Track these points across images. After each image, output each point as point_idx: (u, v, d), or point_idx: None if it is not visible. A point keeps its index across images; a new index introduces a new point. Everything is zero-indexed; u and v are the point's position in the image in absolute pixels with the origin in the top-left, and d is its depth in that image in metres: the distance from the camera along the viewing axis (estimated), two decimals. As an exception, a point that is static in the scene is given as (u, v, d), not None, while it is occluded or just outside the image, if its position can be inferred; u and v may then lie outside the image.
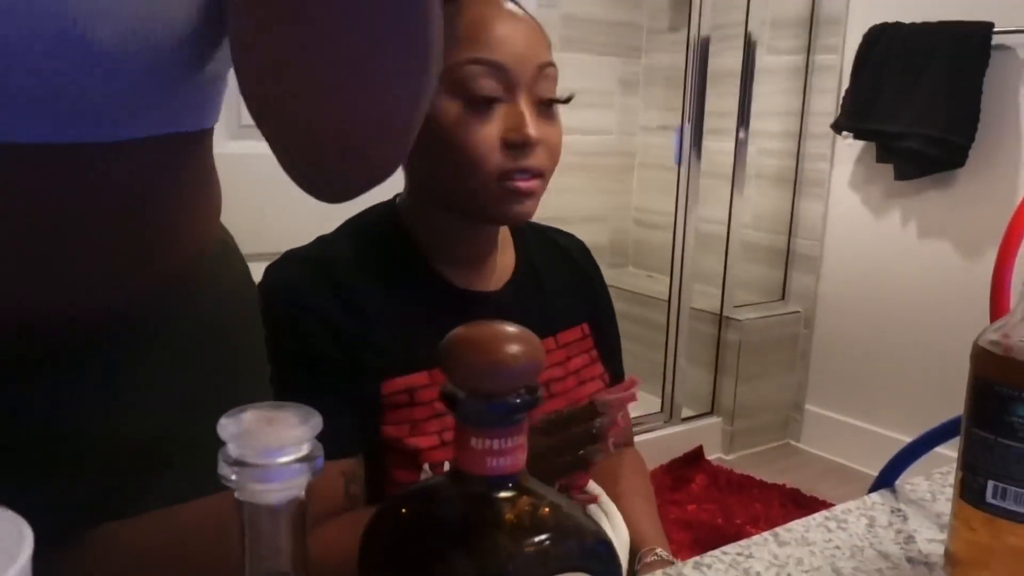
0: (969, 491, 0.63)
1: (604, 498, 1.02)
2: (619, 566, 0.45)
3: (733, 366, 3.24)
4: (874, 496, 0.84)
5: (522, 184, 0.85)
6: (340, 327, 0.85)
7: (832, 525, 0.77)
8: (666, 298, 3.21)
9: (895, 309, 3.06)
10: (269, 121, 0.55)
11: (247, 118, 0.56)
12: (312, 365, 0.85)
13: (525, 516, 0.41)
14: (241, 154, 0.63)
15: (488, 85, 0.83)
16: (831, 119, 3.11)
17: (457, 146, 0.83)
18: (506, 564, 0.40)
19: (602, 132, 3.80)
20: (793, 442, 3.43)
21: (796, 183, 3.36)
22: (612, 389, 0.95)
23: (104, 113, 0.53)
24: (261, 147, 0.57)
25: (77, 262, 0.56)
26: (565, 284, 1.02)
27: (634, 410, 1.15)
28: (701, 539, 2.58)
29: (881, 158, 2.98)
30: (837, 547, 0.73)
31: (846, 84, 3.03)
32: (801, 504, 2.86)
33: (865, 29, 2.96)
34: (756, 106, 3.19)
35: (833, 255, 3.27)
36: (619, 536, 0.96)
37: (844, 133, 3.03)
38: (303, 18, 0.49)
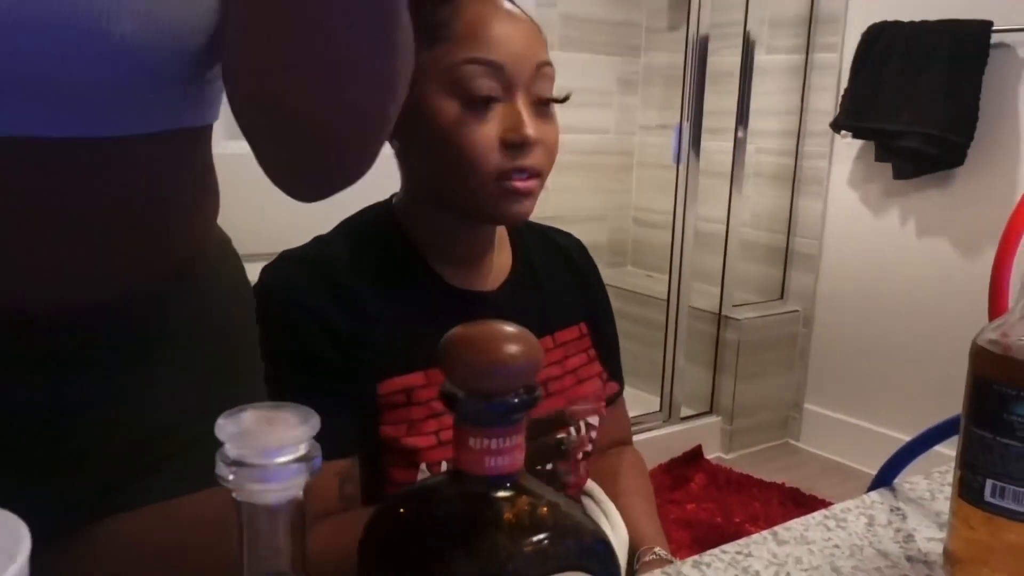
0: (968, 490, 0.63)
1: (603, 497, 1.02)
2: (618, 565, 0.45)
3: (732, 365, 3.24)
4: (873, 495, 0.84)
5: (520, 184, 0.85)
6: (337, 327, 0.85)
7: (831, 524, 0.77)
8: (665, 297, 3.21)
9: (894, 308, 3.06)
10: (251, 115, 0.56)
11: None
12: (308, 365, 0.84)
13: (524, 515, 0.41)
14: (240, 154, 0.63)
15: (486, 85, 0.83)
16: (830, 118, 3.11)
17: (455, 146, 0.83)
18: (505, 563, 0.40)
19: (601, 131, 3.80)
20: (792, 441, 3.43)
21: (795, 182, 3.36)
22: (582, 399, 0.95)
23: (114, 107, 0.53)
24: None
25: (77, 257, 0.56)
26: (563, 283, 1.02)
27: (633, 409, 1.16)
28: (700, 538, 2.58)
29: (880, 157, 2.98)
30: (836, 546, 0.73)
31: (845, 83, 3.03)
32: (800, 503, 2.86)
33: (864, 28, 2.96)
34: (755, 105, 3.19)
35: (832, 254, 3.27)
36: (618, 535, 0.96)
37: (843, 132, 3.03)
38: (292, 24, 0.50)
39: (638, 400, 3.12)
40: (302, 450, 0.37)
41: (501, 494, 0.41)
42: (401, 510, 0.45)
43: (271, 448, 0.36)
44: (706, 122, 3.05)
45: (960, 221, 2.85)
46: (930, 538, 0.75)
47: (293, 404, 0.38)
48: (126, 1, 0.49)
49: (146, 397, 0.63)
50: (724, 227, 3.29)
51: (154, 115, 0.57)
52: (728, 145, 3.21)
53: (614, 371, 1.07)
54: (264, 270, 0.89)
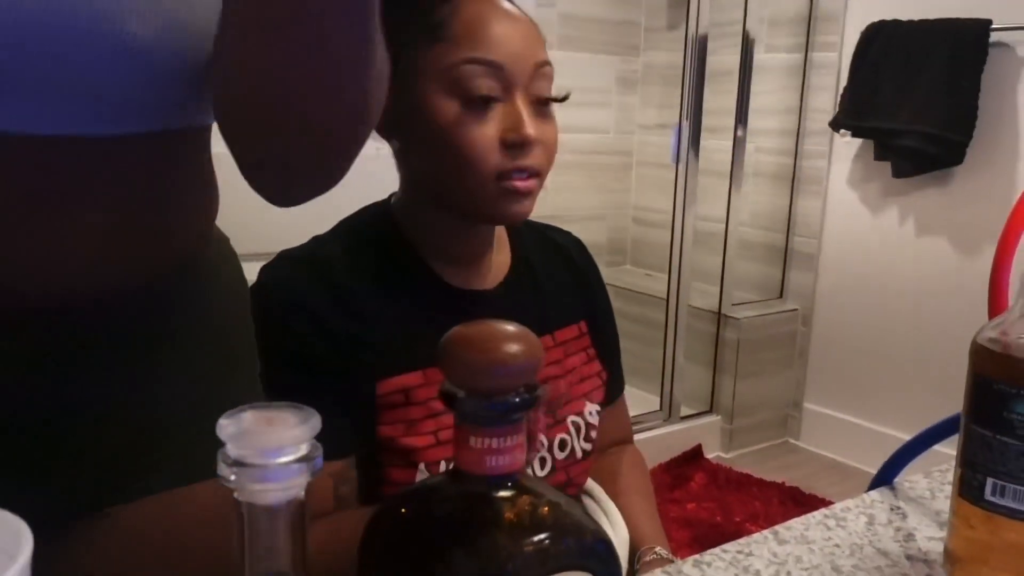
0: (968, 488, 0.63)
1: (603, 496, 1.02)
2: (618, 564, 0.45)
3: (732, 364, 3.24)
4: (873, 494, 0.84)
5: (520, 184, 0.85)
6: (334, 327, 0.85)
7: (831, 523, 0.77)
8: (664, 296, 3.21)
9: (893, 307, 3.06)
10: (242, 115, 0.57)
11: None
12: (304, 366, 0.84)
13: (524, 515, 0.41)
14: (239, 154, 0.63)
15: (485, 85, 0.83)
16: (829, 117, 3.11)
17: (454, 146, 0.83)
18: (506, 563, 0.40)
19: (600, 131, 3.80)
20: (792, 440, 3.43)
21: (794, 181, 3.36)
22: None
23: (116, 107, 0.54)
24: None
25: (77, 253, 0.56)
26: (562, 282, 1.02)
27: (633, 408, 1.16)
28: (700, 537, 2.58)
29: (879, 155, 2.98)
30: (836, 545, 0.73)
31: (844, 82, 3.03)
32: (800, 502, 2.86)
33: (863, 26, 2.96)
34: (754, 104, 3.19)
35: (831, 253, 3.27)
36: (618, 534, 0.96)
37: (842, 131, 3.03)
38: (293, 24, 0.51)
39: (638, 399, 3.12)
40: (303, 450, 0.37)
41: (502, 494, 0.41)
42: (401, 510, 0.45)
43: (272, 448, 0.36)
44: (705, 121, 3.05)
45: (959, 220, 2.85)
46: (930, 537, 0.75)
47: (294, 404, 0.38)
48: (132, 2, 0.49)
49: (146, 396, 0.63)
50: (723, 226, 3.29)
51: (155, 115, 0.57)
52: (727, 144, 3.21)
53: (614, 370, 1.07)
54: (262, 270, 0.89)
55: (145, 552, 0.63)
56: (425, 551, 0.41)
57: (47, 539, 0.37)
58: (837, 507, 0.80)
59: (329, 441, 0.38)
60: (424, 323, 0.86)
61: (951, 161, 2.78)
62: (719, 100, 3.17)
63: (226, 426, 0.37)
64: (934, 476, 0.87)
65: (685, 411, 3.25)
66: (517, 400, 0.40)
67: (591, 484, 1.03)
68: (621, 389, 1.11)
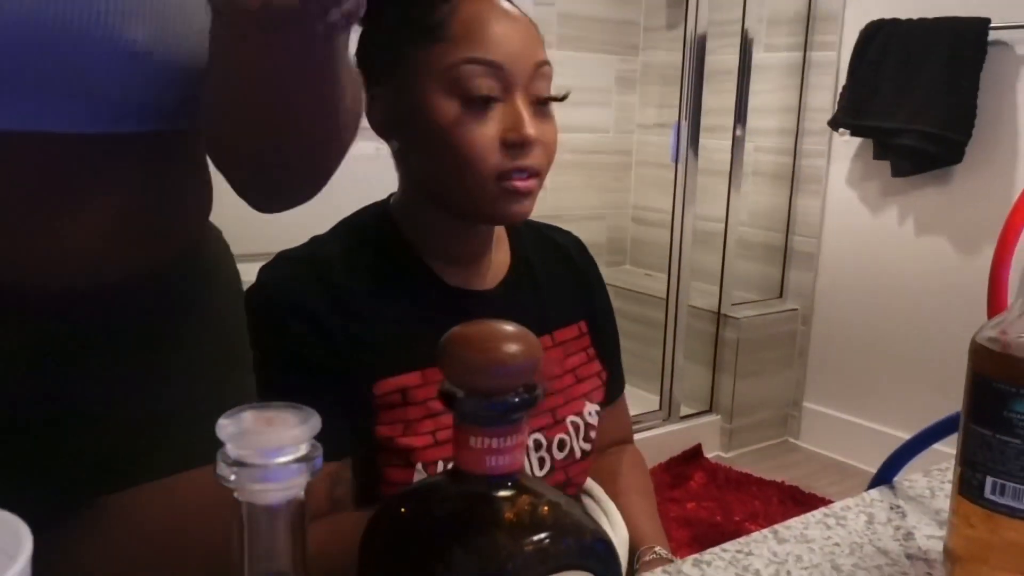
0: (968, 487, 0.63)
1: (602, 496, 1.02)
2: (618, 564, 0.45)
3: (731, 364, 3.24)
4: (873, 493, 0.84)
5: (520, 184, 0.85)
6: (332, 328, 0.85)
7: (831, 522, 0.77)
8: (664, 296, 3.21)
9: (893, 306, 3.06)
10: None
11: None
12: (300, 366, 0.84)
13: (524, 514, 0.41)
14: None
15: (485, 85, 0.83)
16: (828, 116, 3.11)
17: (454, 146, 0.83)
18: (505, 562, 0.40)
19: (599, 130, 3.80)
20: (792, 439, 3.43)
21: (793, 180, 3.36)
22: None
23: (117, 107, 0.55)
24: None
25: (77, 242, 0.56)
26: (561, 282, 1.02)
27: (633, 408, 1.16)
28: (700, 537, 2.58)
29: (878, 155, 2.98)
30: (836, 544, 0.73)
31: (843, 81, 3.03)
32: (800, 501, 2.86)
33: (862, 25, 2.96)
34: (753, 103, 3.19)
35: (831, 252, 3.27)
36: (617, 534, 0.96)
37: (841, 130, 3.03)
38: (256, 111, 0.57)
39: (638, 399, 3.12)
40: (302, 450, 0.37)
41: (501, 493, 0.41)
42: (401, 509, 0.45)
43: (271, 448, 0.36)
44: (704, 120, 3.05)
45: (959, 219, 2.85)
46: (930, 536, 0.75)
47: (293, 404, 0.38)
48: (139, 9, 0.51)
49: (145, 394, 0.63)
50: (723, 225, 3.29)
51: (153, 115, 0.58)
52: (726, 144, 3.21)
53: (614, 370, 1.07)
54: (261, 270, 0.89)
55: (141, 537, 0.63)
56: (425, 551, 0.41)
57: (44, 535, 0.37)
58: (837, 506, 0.80)
59: (325, 442, 0.38)
60: (423, 323, 0.86)
61: (950, 160, 2.78)
62: (718, 99, 3.17)
63: (226, 426, 0.37)
64: (934, 475, 0.87)
65: (685, 411, 3.25)
66: (516, 400, 0.40)
67: (591, 484, 1.03)
68: (621, 389, 1.11)
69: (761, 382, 3.32)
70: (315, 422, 0.37)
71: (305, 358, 0.84)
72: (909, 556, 0.72)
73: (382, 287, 0.89)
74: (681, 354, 3.19)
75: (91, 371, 0.60)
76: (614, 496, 1.02)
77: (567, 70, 3.39)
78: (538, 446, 0.92)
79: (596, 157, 3.79)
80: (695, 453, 3.15)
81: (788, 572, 0.69)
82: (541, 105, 0.87)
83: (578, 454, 0.96)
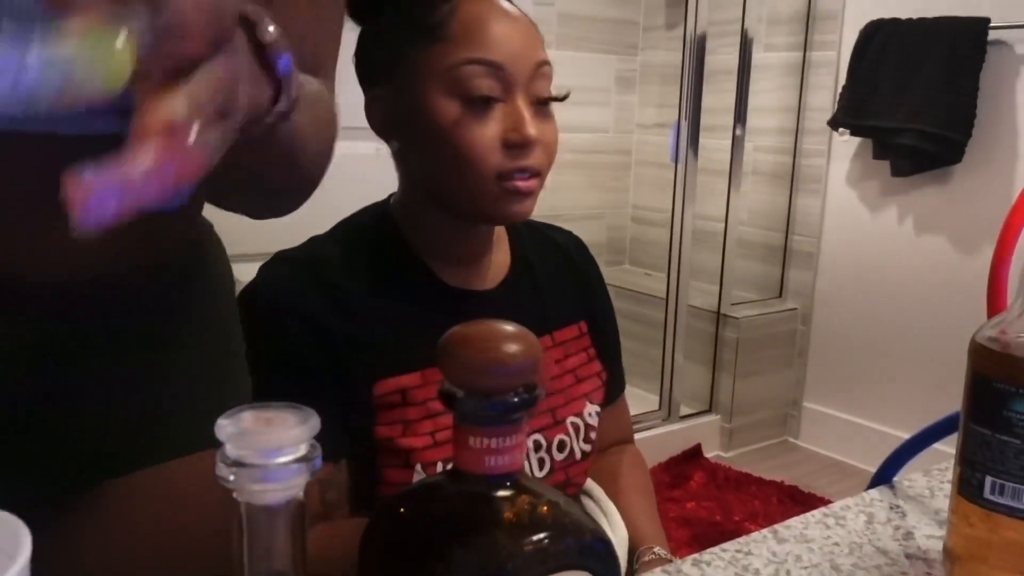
0: (967, 487, 0.63)
1: (602, 496, 1.02)
2: (617, 564, 0.45)
3: (731, 363, 3.25)
4: (872, 492, 0.84)
5: (521, 184, 0.85)
6: (327, 329, 0.84)
7: (831, 522, 0.77)
8: (664, 296, 3.21)
9: (893, 305, 3.06)
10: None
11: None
12: (296, 368, 0.84)
13: (524, 514, 0.41)
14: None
15: (486, 85, 0.83)
16: (828, 115, 3.11)
17: (455, 146, 0.83)
18: (505, 562, 0.40)
19: (599, 130, 3.80)
20: (791, 439, 3.43)
21: (793, 180, 3.36)
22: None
23: (116, 109, 0.55)
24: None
25: (74, 251, 0.57)
26: (561, 282, 1.02)
27: (632, 408, 1.16)
28: (700, 536, 2.58)
29: (878, 154, 2.99)
30: (836, 544, 0.73)
31: (843, 80, 3.03)
32: (799, 501, 2.86)
33: (861, 25, 2.96)
34: (753, 103, 3.19)
35: (830, 252, 3.27)
36: (617, 534, 0.96)
37: (841, 129, 3.03)
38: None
39: (637, 399, 3.12)
40: (302, 450, 0.37)
41: (501, 493, 0.41)
42: (401, 510, 0.45)
43: (271, 448, 0.36)
44: (704, 120, 3.05)
45: (958, 218, 2.85)
46: (929, 535, 0.75)
47: (293, 404, 0.38)
48: None
49: (145, 395, 0.63)
50: (722, 225, 3.29)
51: None
52: (726, 143, 3.21)
53: (615, 370, 1.06)
54: (259, 270, 0.89)
55: (139, 523, 0.63)
56: (425, 551, 0.41)
57: (42, 533, 0.37)
58: (836, 506, 0.80)
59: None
60: (422, 324, 0.86)
61: (950, 160, 2.78)
62: (718, 99, 3.17)
63: (225, 426, 0.37)
64: (933, 474, 0.87)
65: (684, 410, 3.25)
66: (516, 400, 0.40)
67: (591, 484, 1.03)
68: (622, 389, 1.11)
69: (761, 382, 3.32)
70: (315, 422, 0.37)
71: (300, 359, 0.84)
72: (909, 556, 0.72)
73: (381, 287, 0.89)
74: (681, 354, 3.19)
75: (91, 371, 0.60)
76: (614, 496, 1.02)
77: (567, 70, 3.39)
78: (538, 447, 0.92)
79: (596, 157, 3.79)
80: (695, 453, 3.15)
81: (788, 572, 0.69)
82: (541, 105, 0.87)
83: (578, 455, 0.96)
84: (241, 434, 0.36)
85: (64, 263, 0.57)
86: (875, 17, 2.93)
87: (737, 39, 3.14)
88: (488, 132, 0.83)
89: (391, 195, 0.96)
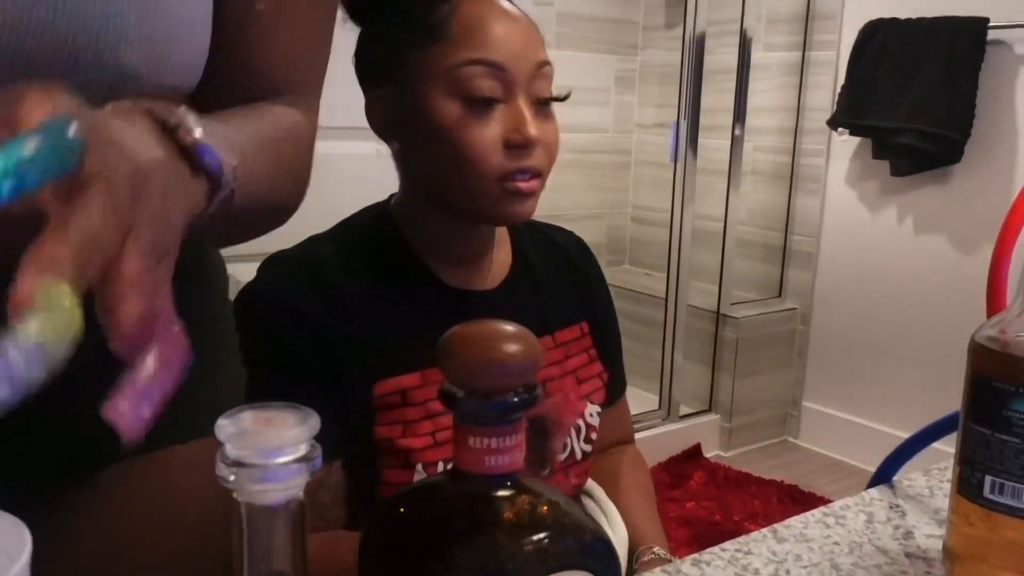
0: (967, 486, 0.63)
1: (602, 496, 1.02)
2: (618, 564, 0.45)
3: (731, 363, 3.25)
4: (872, 492, 0.84)
5: (523, 185, 0.84)
6: (325, 330, 0.84)
7: (830, 521, 0.77)
8: (663, 295, 3.21)
9: (892, 305, 3.07)
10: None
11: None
12: (288, 369, 0.84)
13: (524, 514, 0.41)
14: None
15: (487, 86, 0.83)
16: (827, 115, 3.11)
17: (456, 147, 0.83)
18: (505, 562, 0.40)
19: (598, 130, 3.80)
20: (791, 438, 3.43)
21: (792, 179, 3.36)
22: (562, 404, 0.95)
23: None
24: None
25: None
26: (562, 282, 1.02)
27: (632, 407, 1.16)
28: (699, 536, 2.58)
29: (877, 154, 2.99)
30: (836, 543, 0.73)
31: (842, 80, 3.03)
32: (799, 500, 2.86)
33: (860, 24, 2.96)
34: (752, 102, 3.19)
35: (830, 251, 3.27)
36: (617, 534, 0.96)
37: (840, 129, 3.03)
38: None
39: (637, 398, 3.12)
40: (302, 450, 0.37)
41: (501, 493, 0.41)
42: (401, 510, 0.45)
43: (271, 448, 0.36)
44: (703, 120, 3.05)
45: (958, 218, 2.85)
46: (929, 535, 0.75)
47: (293, 404, 0.38)
48: (129, 36, 0.54)
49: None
50: (722, 225, 3.29)
51: None
52: (725, 143, 3.21)
53: (616, 371, 1.06)
54: (258, 270, 0.89)
55: (133, 512, 0.64)
56: (425, 551, 0.41)
57: (39, 531, 0.37)
58: (836, 505, 0.80)
59: None
60: (422, 324, 0.86)
61: (949, 159, 2.78)
62: (717, 99, 3.17)
63: (225, 426, 0.37)
64: (933, 474, 0.87)
65: (684, 410, 3.25)
66: (516, 400, 0.40)
67: (591, 484, 1.03)
68: (623, 390, 1.10)
69: (760, 381, 3.32)
70: (314, 422, 0.37)
71: (297, 360, 0.84)
72: (908, 555, 0.72)
73: (381, 287, 0.89)
74: (680, 353, 3.19)
75: (85, 363, 0.60)
76: (614, 496, 1.02)
77: (566, 70, 3.38)
78: (538, 446, 0.92)
79: (595, 157, 3.79)
80: (694, 452, 3.15)
81: (787, 571, 0.69)
82: (542, 105, 0.87)
83: (579, 455, 0.96)
84: (241, 434, 0.36)
85: None
86: (874, 17, 2.93)
87: (736, 39, 3.14)
88: (489, 133, 0.83)
89: (392, 195, 0.96)
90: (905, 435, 0.83)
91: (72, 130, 0.35)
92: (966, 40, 2.69)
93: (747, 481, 2.99)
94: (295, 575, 0.39)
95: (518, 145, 0.83)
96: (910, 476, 0.86)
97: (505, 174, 0.84)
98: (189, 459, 0.63)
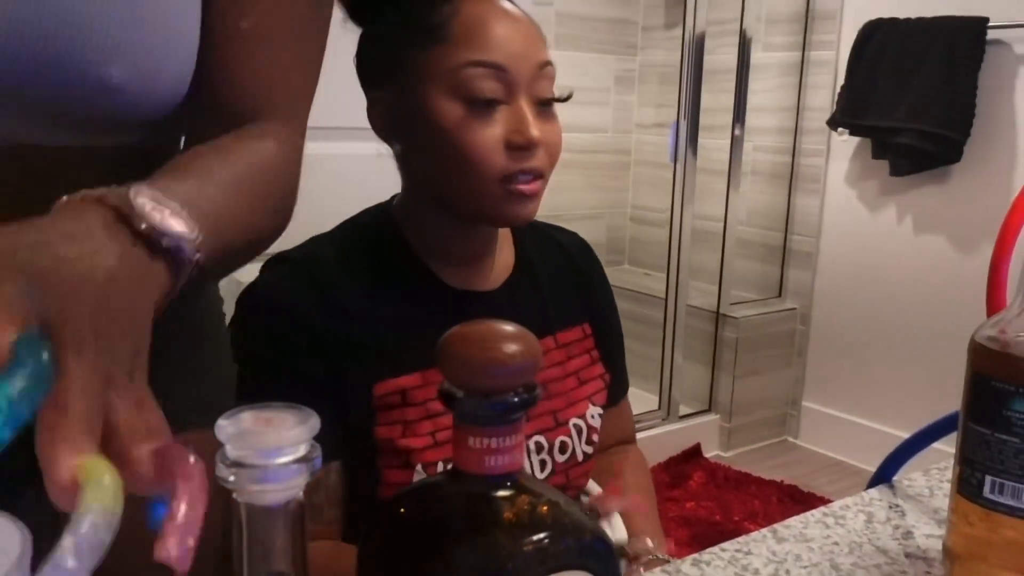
0: (966, 486, 0.63)
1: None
2: (617, 564, 0.45)
3: (730, 363, 3.25)
4: (872, 492, 0.84)
5: (524, 188, 0.84)
6: (323, 332, 0.84)
7: (830, 521, 0.77)
8: (663, 295, 3.21)
9: (892, 305, 3.07)
10: None
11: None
12: (287, 370, 0.84)
13: (523, 514, 0.41)
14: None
15: (489, 87, 0.82)
16: (827, 115, 3.11)
17: (458, 148, 0.83)
18: (505, 562, 0.40)
19: (598, 130, 3.80)
20: (791, 438, 3.43)
21: (792, 179, 3.36)
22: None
23: (97, 129, 0.60)
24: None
25: None
26: (564, 283, 1.01)
27: (633, 407, 1.16)
28: (699, 536, 2.58)
29: (877, 154, 2.99)
30: (835, 543, 0.73)
31: (841, 80, 3.04)
32: (799, 500, 2.86)
33: (860, 24, 2.96)
34: (751, 102, 3.19)
35: (829, 251, 3.27)
36: (616, 535, 0.96)
37: (840, 129, 3.03)
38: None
39: (637, 398, 3.10)
40: (302, 451, 0.37)
41: (500, 493, 0.41)
42: (401, 510, 0.45)
43: (270, 449, 0.36)
44: (703, 120, 3.05)
45: (957, 217, 2.85)
46: (929, 535, 0.75)
47: (292, 405, 0.38)
48: (115, 51, 0.55)
49: None
50: (721, 225, 3.29)
51: (134, 133, 0.63)
52: (725, 143, 3.21)
53: (618, 372, 1.06)
54: (260, 270, 0.89)
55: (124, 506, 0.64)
56: (425, 551, 0.41)
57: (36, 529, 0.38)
58: (836, 505, 0.80)
59: None
60: (423, 325, 0.85)
61: (949, 159, 2.78)
62: (717, 99, 3.17)
63: (224, 427, 0.36)
64: (932, 474, 0.87)
65: (684, 410, 3.25)
66: (515, 400, 0.40)
67: (591, 485, 1.03)
68: (625, 390, 1.10)
69: (760, 381, 3.32)
70: (314, 423, 0.37)
71: (294, 362, 0.84)
72: (908, 555, 0.72)
73: (381, 288, 0.89)
74: (680, 353, 3.19)
75: None
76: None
77: (565, 70, 3.37)
78: (539, 448, 0.92)
79: (595, 157, 3.79)
80: (694, 452, 3.15)
81: (787, 571, 0.69)
82: (544, 106, 0.86)
83: (580, 457, 0.96)
84: (241, 434, 0.36)
85: None
86: (874, 16, 2.93)
87: (736, 39, 3.14)
88: (491, 134, 0.83)
89: (394, 196, 0.96)
90: (905, 435, 0.83)
91: (45, 355, 0.38)
92: (966, 40, 2.69)
93: (747, 481, 2.99)
94: (295, 575, 0.39)
95: (520, 146, 0.83)
96: (910, 476, 0.86)
97: (507, 175, 0.83)
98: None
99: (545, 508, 0.42)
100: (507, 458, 0.41)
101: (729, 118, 3.17)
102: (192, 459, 0.40)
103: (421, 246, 0.91)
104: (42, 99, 0.56)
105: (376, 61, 0.89)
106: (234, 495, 0.37)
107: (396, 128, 0.88)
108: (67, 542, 0.33)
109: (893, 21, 2.88)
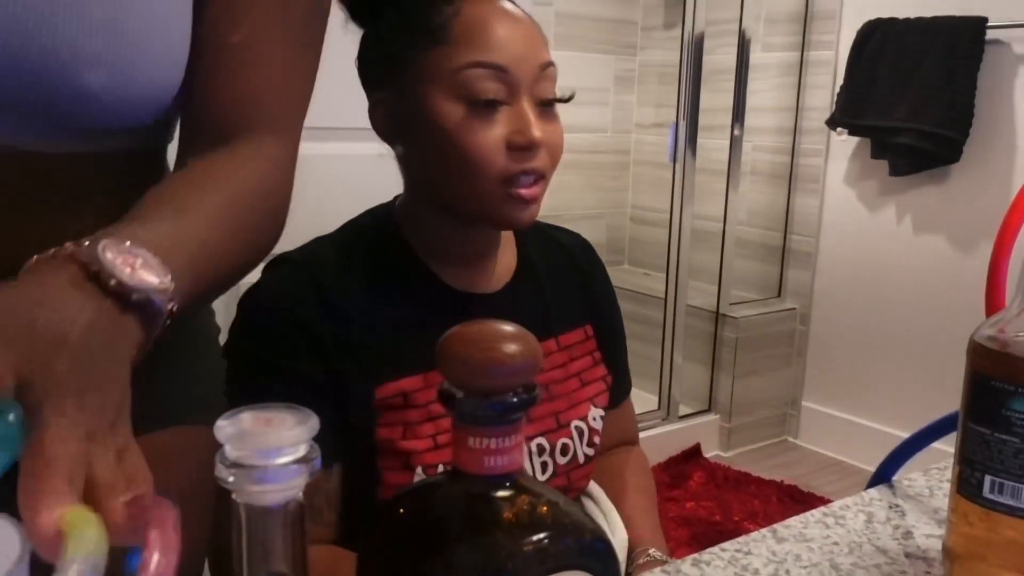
0: (966, 486, 0.63)
1: (602, 497, 1.02)
2: (617, 564, 0.45)
3: (730, 363, 3.25)
4: (872, 492, 0.84)
5: (525, 192, 0.84)
6: (321, 335, 0.83)
7: (830, 521, 0.77)
8: (663, 295, 3.21)
9: (891, 305, 3.07)
10: None
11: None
12: (286, 372, 0.83)
13: (523, 514, 0.41)
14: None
15: (491, 88, 0.82)
16: (826, 115, 3.11)
17: (460, 149, 0.82)
18: (505, 562, 0.40)
19: (597, 130, 3.80)
20: (790, 438, 3.43)
21: (791, 179, 3.36)
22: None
23: (84, 133, 0.61)
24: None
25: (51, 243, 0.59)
26: (565, 285, 1.01)
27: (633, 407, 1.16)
28: (699, 536, 2.58)
29: (876, 154, 2.99)
30: (835, 543, 0.73)
31: (840, 80, 3.04)
32: (799, 500, 2.86)
33: (859, 24, 2.96)
34: (751, 102, 3.19)
35: (829, 251, 3.27)
36: (616, 535, 0.96)
37: (839, 129, 3.03)
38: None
39: (636, 398, 3.09)
40: (301, 451, 0.37)
41: (500, 493, 0.41)
42: (401, 510, 0.45)
43: (270, 449, 0.36)
44: (702, 120, 3.05)
45: (956, 217, 2.86)
46: (929, 534, 0.75)
47: (292, 405, 0.38)
48: (97, 59, 0.56)
49: (141, 398, 0.64)
50: (721, 225, 3.29)
51: (124, 139, 0.64)
52: (724, 143, 3.21)
53: (620, 373, 1.06)
54: (263, 270, 0.88)
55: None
56: (425, 551, 0.41)
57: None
58: (836, 505, 0.80)
59: None
60: (424, 326, 0.85)
61: (948, 159, 2.79)
62: (716, 99, 3.17)
63: (224, 427, 0.36)
64: (932, 474, 0.87)
65: (683, 410, 3.25)
66: (515, 400, 0.40)
67: (591, 485, 1.03)
68: (627, 391, 1.10)
69: (760, 381, 3.32)
70: (314, 423, 0.37)
71: (293, 364, 0.83)
72: (908, 555, 0.72)
73: (382, 289, 0.88)
74: (680, 353, 3.19)
75: None
76: (614, 496, 1.01)
77: (565, 70, 3.36)
78: (541, 450, 0.92)
79: (594, 157, 3.79)
80: (694, 452, 3.15)
81: (787, 571, 0.69)
82: (546, 106, 0.86)
83: (581, 459, 0.95)
84: (240, 435, 0.36)
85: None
86: (873, 16, 2.93)
87: (735, 39, 3.14)
88: (492, 135, 0.82)
89: (396, 197, 0.95)
90: (905, 435, 0.83)
91: (12, 417, 0.39)
92: (965, 40, 2.69)
93: (747, 481, 2.99)
94: (295, 575, 0.39)
95: (521, 147, 0.83)
96: (910, 476, 0.86)
97: (509, 177, 0.83)
98: (163, 446, 0.63)
99: (545, 508, 0.42)
100: (507, 458, 0.41)
101: (728, 118, 3.17)
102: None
103: (422, 247, 0.91)
104: (23, 105, 0.56)
105: (377, 62, 0.89)
106: (233, 496, 0.37)
107: (397, 129, 0.88)
108: None
109: (892, 21, 2.88)
